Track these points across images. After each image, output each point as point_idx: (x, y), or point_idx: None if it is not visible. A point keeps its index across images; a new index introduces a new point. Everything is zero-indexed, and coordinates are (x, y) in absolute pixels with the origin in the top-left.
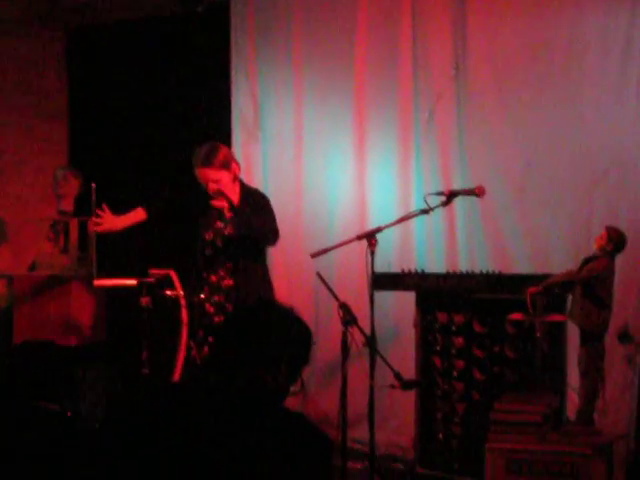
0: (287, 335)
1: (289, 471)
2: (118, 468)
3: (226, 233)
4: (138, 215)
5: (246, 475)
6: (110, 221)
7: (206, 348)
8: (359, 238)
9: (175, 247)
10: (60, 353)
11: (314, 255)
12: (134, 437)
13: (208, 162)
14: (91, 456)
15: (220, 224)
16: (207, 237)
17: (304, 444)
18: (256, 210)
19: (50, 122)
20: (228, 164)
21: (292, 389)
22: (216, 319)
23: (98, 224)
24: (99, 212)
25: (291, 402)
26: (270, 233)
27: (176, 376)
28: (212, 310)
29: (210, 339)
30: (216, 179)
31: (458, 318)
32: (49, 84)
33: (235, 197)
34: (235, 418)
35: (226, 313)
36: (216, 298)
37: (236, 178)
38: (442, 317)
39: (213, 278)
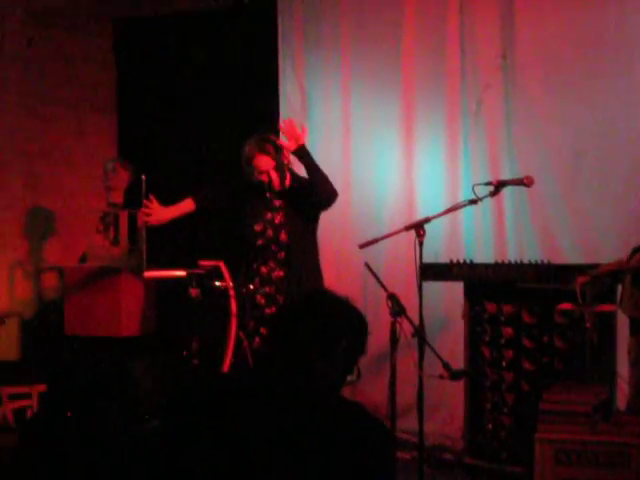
0: (342, 325)
1: (351, 462)
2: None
3: (277, 222)
4: (187, 206)
5: (307, 466)
6: (158, 212)
7: (257, 339)
8: (407, 229)
9: (224, 238)
10: (110, 345)
11: (362, 246)
12: (190, 429)
13: (259, 148)
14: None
15: (269, 214)
16: (257, 229)
17: (365, 434)
18: (302, 204)
19: (100, 115)
20: (279, 150)
21: (349, 379)
22: (267, 310)
23: (147, 215)
24: (146, 203)
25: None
26: (332, 186)
27: (225, 367)
28: (263, 301)
29: (262, 330)
30: (271, 166)
31: (507, 308)
32: (98, 77)
33: (284, 184)
34: (292, 409)
35: (277, 304)
36: (267, 289)
37: (287, 165)
38: (491, 307)
39: (264, 269)
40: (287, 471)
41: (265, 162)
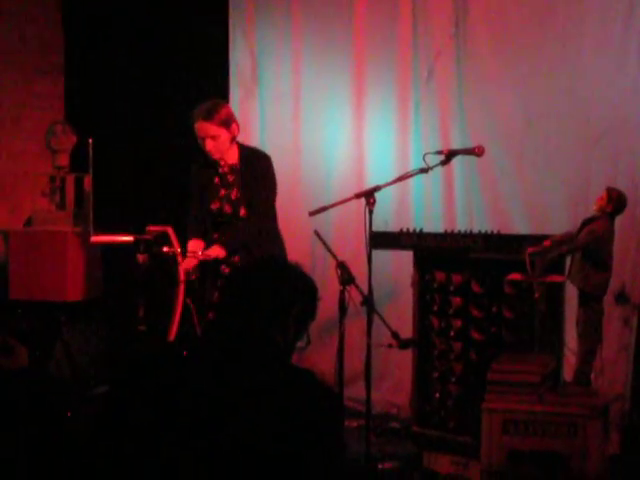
0: (294, 291)
1: (302, 430)
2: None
3: (233, 198)
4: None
5: (257, 434)
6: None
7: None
8: (357, 197)
9: (173, 204)
10: (56, 310)
11: (312, 213)
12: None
13: (209, 117)
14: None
15: (223, 191)
16: (213, 207)
17: (316, 402)
18: (255, 177)
19: (46, 77)
20: (229, 123)
21: (299, 345)
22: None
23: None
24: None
25: None
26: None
27: (172, 334)
28: (226, 270)
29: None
30: (215, 135)
31: (456, 278)
32: (45, 39)
33: (234, 158)
34: (244, 376)
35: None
36: (231, 259)
37: (234, 139)
38: (440, 277)
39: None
40: (237, 440)
41: (204, 129)
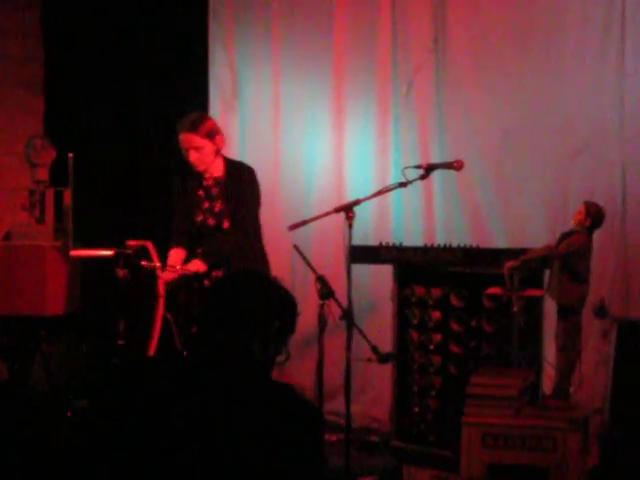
0: (274, 306)
1: (283, 445)
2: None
3: (217, 210)
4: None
5: (240, 449)
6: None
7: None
8: (337, 211)
9: (153, 218)
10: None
11: (292, 227)
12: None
13: (194, 128)
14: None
15: (207, 203)
16: (197, 219)
17: (296, 417)
18: (239, 190)
19: (26, 91)
20: (213, 135)
21: (278, 359)
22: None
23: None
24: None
25: None
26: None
27: (152, 348)
28: (209, 285)
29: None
30: (199, 146)
31: (435, 292)
32: (25, 52)
33: (218, 171)
34: (224, 390)
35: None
36: (213, 274)
37: (219, 152)
38: (419, 291)
39: None
40: (218, 454)
41: (188, 140)
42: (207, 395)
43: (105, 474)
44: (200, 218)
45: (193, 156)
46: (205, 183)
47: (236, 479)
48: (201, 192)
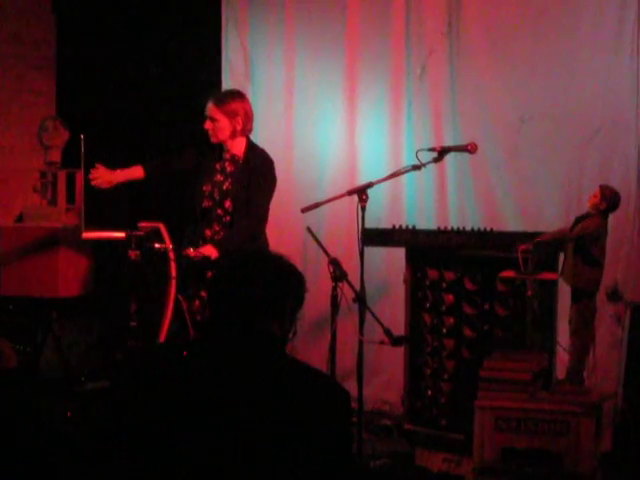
0: (288, 285)
1: (314, 422)
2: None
3: (224, 188)
4: (136, 172)
5: (272, 430)
6: (105, 176)
7: (197, 302)
8: (350, 193)
9: (165, 200)
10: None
11: (305, 210)
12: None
13: (218, 101)
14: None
15: (220, 177)
16: (205, 189)
17: (325, 394)
18: (255, 177)
19: (38, 73)
20: (233, 115)
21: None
22: (209, 274)
23: (94, 179)
24: (92, 171)
25: None
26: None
27: (164, 329)
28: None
29: (202, 293)
30: (215, 118)
31: (448, 275)
32: (37, 34)
33: (239, 150)
34: (250, 373)
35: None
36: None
37: (237, 132)
38: (432, 274)
39: (208, 232)
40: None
41: (209, 109)
42: (233, 378)
43: (125, 459)
44: (208, 188)
45: (208, 125)
46: (223, 155)
47: (266, 459)
48: (217, 165)
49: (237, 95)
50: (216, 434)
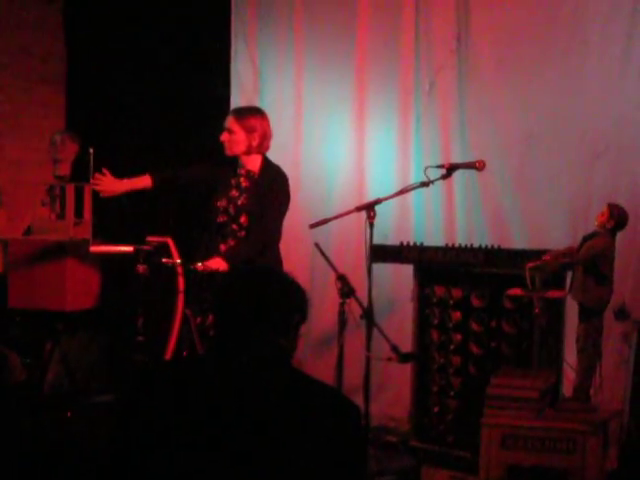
0: (295, 300)
1: (325, 436)
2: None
3: (239, 203)
4: (143, 181)
5: (283, 444)
6: (111, 185)
7: (211, 317)
8: (358, 210)
9: (174, 215)
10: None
11: (313, 225)
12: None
13: (238, 113)
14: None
15: (235, 193)
16: (219, 204)
17: (337, 408)
18: (270, 193)
19: (48, 86)
20: (251, 130)
21: None
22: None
23: (96, 186)
24: (98, 175)
25: None
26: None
27: (171, 344)
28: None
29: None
30: (232, 130)
31: (456, 292)
32: (48, 48)
33: (254, 166)
34: (262, 387)
35: None
36: None
37: (253, 148)
38: (440, 291)
39: (222, 247)
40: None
41: (228, 121)
42: (244, 392)
43: (130, 475)
44: (223, 204)
45: (224, 137)
46: (239, 171)
47: (278, 473)
48: (233, 180)
49: (258, 112)
50: (225, 450)
